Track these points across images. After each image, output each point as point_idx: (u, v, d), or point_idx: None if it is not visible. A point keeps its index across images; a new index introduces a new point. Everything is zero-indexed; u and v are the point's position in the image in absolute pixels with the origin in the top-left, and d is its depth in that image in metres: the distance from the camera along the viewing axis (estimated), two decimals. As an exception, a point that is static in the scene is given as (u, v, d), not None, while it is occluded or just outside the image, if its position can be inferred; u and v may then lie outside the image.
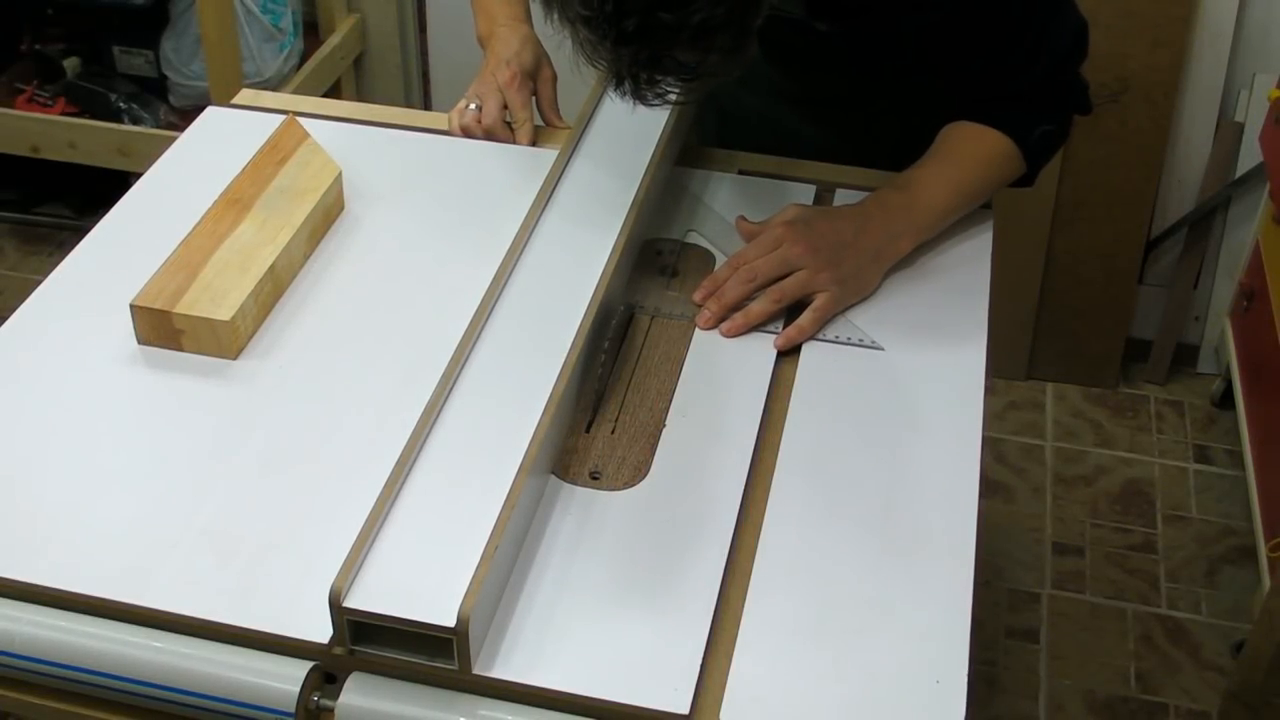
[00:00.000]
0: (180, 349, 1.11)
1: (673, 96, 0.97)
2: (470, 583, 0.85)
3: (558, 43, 0.97)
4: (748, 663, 0.88)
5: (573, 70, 0.98)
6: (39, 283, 1.19)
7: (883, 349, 1.14)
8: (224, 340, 1.10)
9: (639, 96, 0.97)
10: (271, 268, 1.15)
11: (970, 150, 1.23)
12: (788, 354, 1.13)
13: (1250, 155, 2.29)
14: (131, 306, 1.11)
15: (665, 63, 0.93)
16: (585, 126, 1.29)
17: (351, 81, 2.70)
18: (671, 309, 1.16)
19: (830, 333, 1.15)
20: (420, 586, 0.86)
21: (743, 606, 0.92)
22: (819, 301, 1.14)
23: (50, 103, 2.56)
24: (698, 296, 1.15)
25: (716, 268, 1.20)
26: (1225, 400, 2.41)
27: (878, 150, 1.32)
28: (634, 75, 0.95)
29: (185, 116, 2.46)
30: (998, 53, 1.21)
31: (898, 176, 1.23)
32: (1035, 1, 1.20)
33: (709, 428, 1.05)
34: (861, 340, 1.14)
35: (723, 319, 1.14)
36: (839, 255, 1.15)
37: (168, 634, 0.90)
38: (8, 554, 0.94)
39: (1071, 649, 2.03)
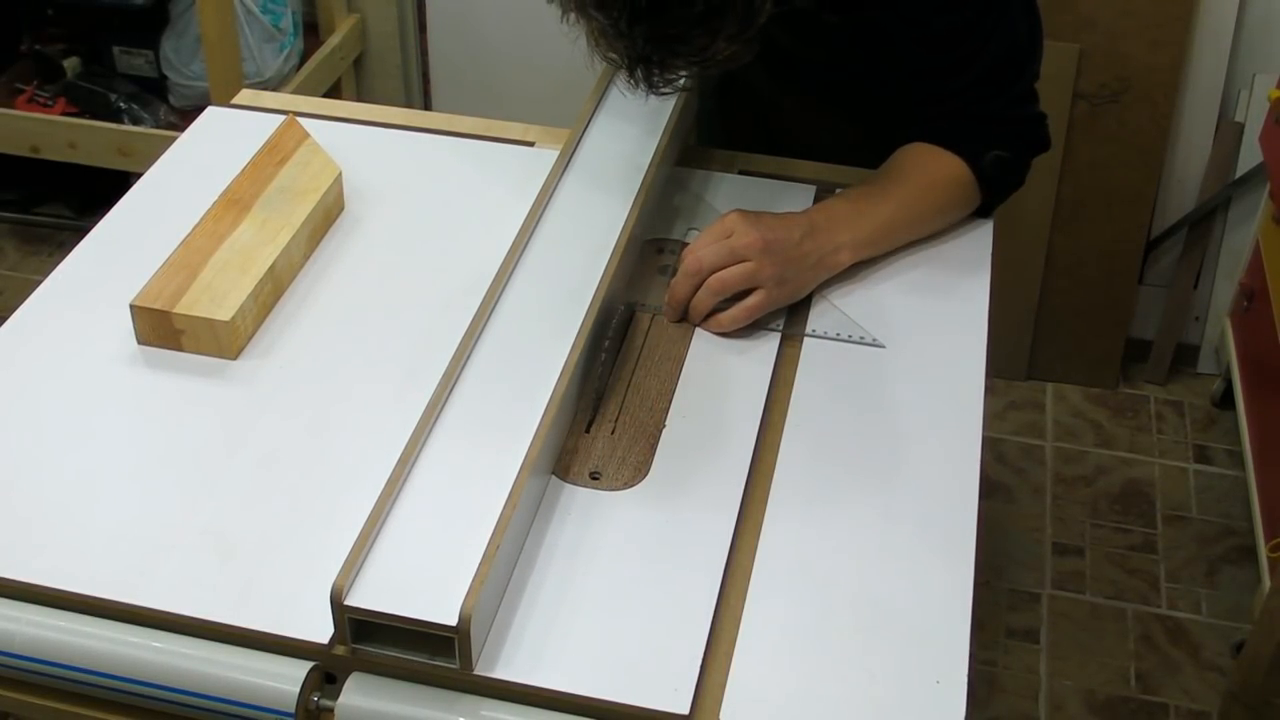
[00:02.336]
0: (180, 349, 1.11)
1: (682, 82, 0.98)
2: (472, 581, 0.85)
3: (573, 37, 0.98)
4: (748, 663, 0.88)
5: (586, 65, 0.99)
6: (39, 283, 1.19)
7: (884, 347, 1.14)
8: (224, 340, 1.10)
9: (650, 82, 0.98)
10: (271, 268, 1.15)
11: (920, 172, 1.23)
12: (788, 353, 1.13)
13: (1250, 155, 2.29)
14: (131, 306, 1.11)
15: (675, 44, 0.95)
16: (586, 127, 1.29)
17: (351, 81, 2.70)
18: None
19: (832, 330, 1.15)
20: (422, 585, 0.86)
21: (743, 607, 0.92)
22: (753, 300, 1.13)
23: (50, 103, 2.55)
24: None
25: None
26: (1225, 400, 2.41)
27: (878, 139, 1.31)
28: (646, 58, 0.96)
29: (185, 116, 2.46)
30: (945, 51, 1.21)
31: (848, 190, 1.24)
32: (986, 5, 1.20)
33: (709, 428, 1.05)
34: (862, 338, 1.14)
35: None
36: (784, 254, 1.14)
37: (167, 634, 0.90)
38: (7, 554, 0.94)
39: (1071, 649, 2.02)
